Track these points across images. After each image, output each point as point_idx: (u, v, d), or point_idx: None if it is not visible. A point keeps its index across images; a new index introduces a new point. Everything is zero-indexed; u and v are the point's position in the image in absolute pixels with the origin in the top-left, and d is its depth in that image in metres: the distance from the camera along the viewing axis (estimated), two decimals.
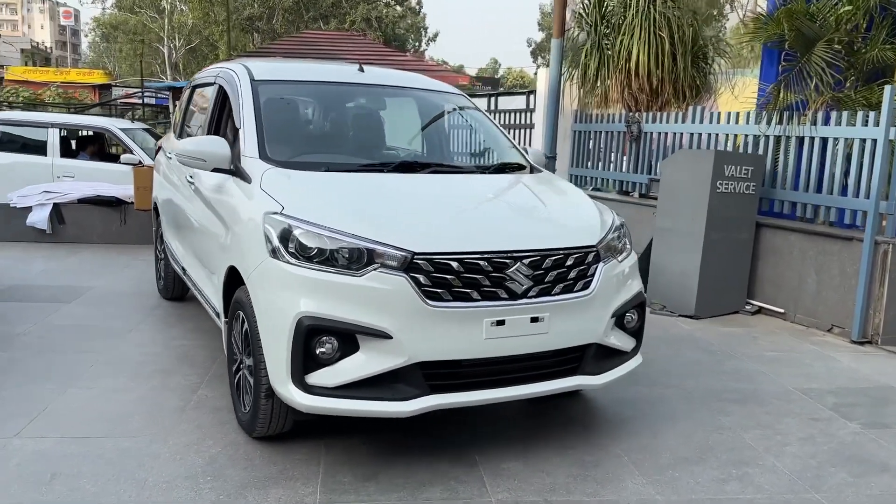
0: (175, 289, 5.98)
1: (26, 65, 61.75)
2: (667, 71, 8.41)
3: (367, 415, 3.12)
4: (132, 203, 8.79)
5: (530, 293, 3.25)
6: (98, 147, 11.02)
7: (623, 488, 3.25)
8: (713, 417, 4.11)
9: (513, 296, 3.21)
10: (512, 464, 3.42)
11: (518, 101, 10.87)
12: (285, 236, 3.16)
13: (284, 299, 3.11)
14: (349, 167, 3.85)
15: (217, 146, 3.88)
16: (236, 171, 3.84)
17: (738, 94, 8.44)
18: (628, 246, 3.86)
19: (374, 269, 3.06)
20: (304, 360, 3.07)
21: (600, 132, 9.11)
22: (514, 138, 10.89)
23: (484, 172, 4.16)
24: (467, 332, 3.14)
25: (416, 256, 3.08)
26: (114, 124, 10.78)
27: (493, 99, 11.48)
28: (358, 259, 3.08)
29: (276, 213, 3.26)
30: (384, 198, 3.50)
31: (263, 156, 3.80)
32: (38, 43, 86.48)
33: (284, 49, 14.22)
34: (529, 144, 10.47)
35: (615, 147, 8.84)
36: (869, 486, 3.40)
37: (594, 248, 3.48)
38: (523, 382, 3.37)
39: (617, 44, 8.63)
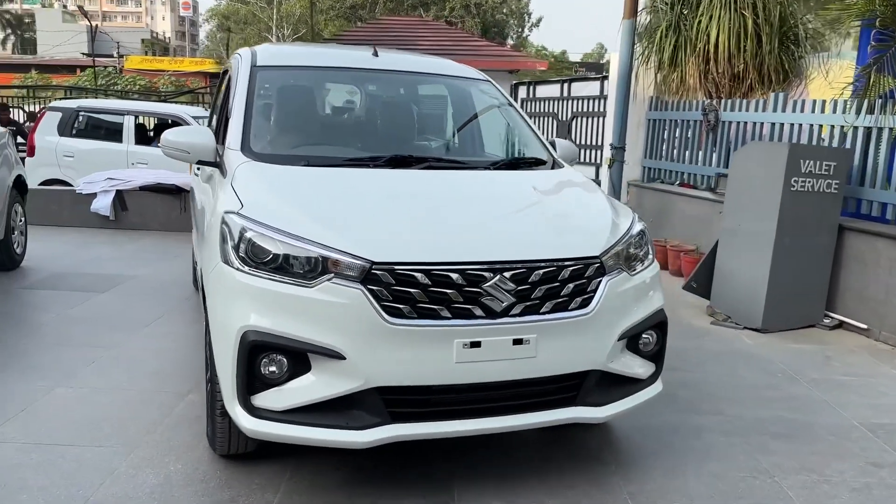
0: None
1: (146, 55, 64.91)
2: (750, 54, 7.62)
3: (318, 444, 2.76)
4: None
5: (513, 311, 2.80)
6: None
7: None
8: (751, 457, 3.53)
9: (491, 314, 2.77)
10: (492, 502, 2.99)
11: (591, 88, 10.23)
12: (239, 239, 2.83)
13: (231, 310, 2.80)
14: (333, 161, 3.49)
15: (200, 137, 3.62)
16: (219, 163, 3.57)
17: (832, 80, 7.53)
18: (649, 256, 3.33)
19: (328, 280, 2.69)
20: (249, 379, 2.75)
21: (676, 121, 8.41)
22: (585, 127, 10.30)
23: (492, 168, 3.70)
24: (435, 355, 2.73)
25: (374, 266, 2.68)
26: (186, 112, 10.88)
27: (565, 85, 10.86)
28: (312, 267, 2.72)
29: (233, 212, 2.94)
30: (355, 196, 3.11)
31: (245, 148, 3.50)
32: (157, 33, 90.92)
33: (360, 36, 14.04)
34: (601, 134, 9.83)
35: (691, 138, 8.12)
36: None
37: (596, 260, 2.98)
38: (506, 413, 2.93)
39: (695, 25, 7.88)
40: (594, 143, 10.10)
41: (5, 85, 22.51)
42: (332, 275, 2.69)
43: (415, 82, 4.32)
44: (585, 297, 2.94)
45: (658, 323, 3.25)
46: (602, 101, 9.79)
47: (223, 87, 4.46)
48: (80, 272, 6.60)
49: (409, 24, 14.01)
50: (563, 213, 3.30)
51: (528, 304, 2.82)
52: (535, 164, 3.91)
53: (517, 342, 2.81)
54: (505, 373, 2.84)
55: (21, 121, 14.47)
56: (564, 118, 10.77)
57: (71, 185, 9.50)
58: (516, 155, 4.05)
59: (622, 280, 3.07)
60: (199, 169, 4.40)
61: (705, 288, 6.13)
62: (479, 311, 2.76)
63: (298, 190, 3.14)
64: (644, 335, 3.22)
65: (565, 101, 10.72)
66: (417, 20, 14.69)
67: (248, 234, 2.81)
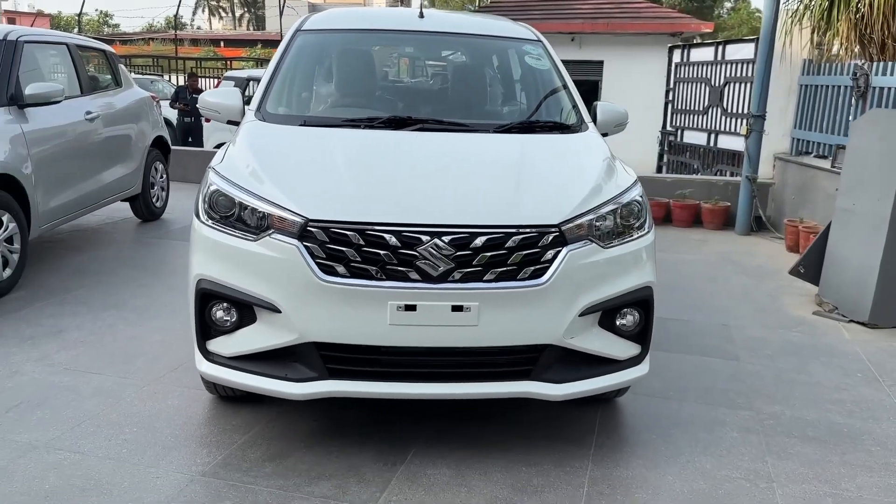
0: None
1: None
2: None
3: (258, 391, 2.89)
4: None
5: (452, 277, 2.72)
6: None
7: None
8: (759, 459, 3.16)
9: (427, 278, 2.71)
10: (441, 471, 2.95)
11: (745, 51, 9.36)
12: (206, 191, 3.01)
13: (193, 259, 2.99)
14: (329, 122, 3.54)
15: (229, 98, 3.82)
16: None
17: None
18: (644, 227, 3.07)
19: (269, 235, 2.78)
20: (203, 324, 2.93)
21: (830, 87, 7.50)
22: (736, 94, 9.48)
23: (495, 131, 3.55)
24: (368, 315, 2.73)
25: (310, 223, 2.73)
26: None
27: (719, 48, 10.02)
28: (259, 222, 2.82)
29: (213, 167, 3.12)
30: (323, 156, 3.15)
31: (261, 109, 3.67)
32: (372, 6, 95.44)
33: (514, 2, 13.86)
34: (750, 99, 8.99)
35: (842, 105, 7.21)
36: None
37: (554, 228, 2.80)
38: (451, 380, 2.87)
39: None
40: (747, 110, 9.26)
41: (235, 57, 24.78)
42: (273, 230, 2.78)
43: (453, 44, 4.24)
44: (539, 266, 2.78)
45: (641, 300, 3.00)
46: (752, 66, 8.95)
47: None
48: None
49: None
50: (536, 178, 3.10)
51: (468, 270, 2.72)
52: (554, 128, 3.71)
53: (456, 308, 2.73)
54: (443, 339, 2.78)
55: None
56: (717, 84, 9.98)
57: None
58: (545, 118, 3.86)
59: (590, 251, 2.85)
60: None
61: (814, 273, 5.48)
62: (415, 275, 2.71)
63: (274, 149, 3.25)
64: (624, 312, 2.99)
65: (718, 66, 9.92)
66: None
67: (213, 188, 2.97)
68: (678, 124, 11.24)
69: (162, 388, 3.60)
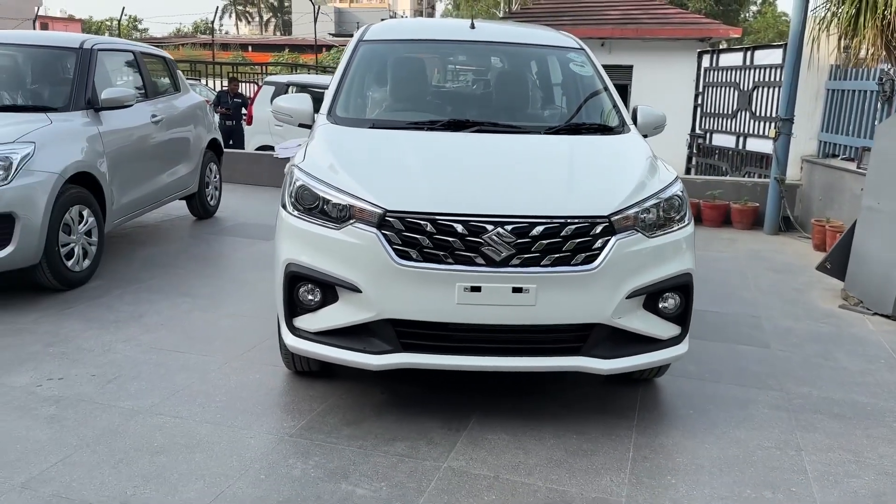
0: None
1: None
2: None
3: (339, 362, 3.25)
4: None
5: (513, 262, 3.07)
6: None
7: (593, 483, 2.96)
8: (788, 432, 3.47)
9: (491, 262, 3.06)
10: (498, 436, 3.30)
11: (773, 56, 9.60)
12: (292, 186, 3.38)
13: (282, 246, 3.36)
14: (395, 124, 3.90)
15: (300, 103, 4.21)
16: (312, 127, 4.15)
17: None
18: (684, 219, 3.40)
19: (351, 224, 3.15)
20: (291, 304, 3.30)
21: (856, 91, 7.75)
22: (764, 98, 9.73)
23: (546, 133, 3.90)
24: (438, 295, 3.08)
25: (387, 213, 3.09)
26: None
27: (748, 53, 10.27)
28: (340, 213, 3.19)
29: (296, 165, 3.49)
30: (396, 155, 3.52)
31: (331, 113, 4.05)
32: (395, 13, 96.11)
33: (546, 9, 14.18)
34: (778, 103, 9.24)
35: (868, 110, 7.46)
36: None
37: (604, 219, 3.14)
38: (510, 354, 3.22)
39: None
40: (775, 114, 9.51)
41: (262, 62, 25.52)
42: (355, 220, 3.14)
43: (503, 52, 4.58)
44: (590, 253, 3.12)
45: (681, 285, 3.32)
46: (783, 71, 9.19)
47: None
48: (257, 223, 7.65)
49: None
50: (587, 174, 3.45)
51: (527, 256, 3.07)
52: (598, 129, 4.05)
53: (516, 290, 3.07)
54: (504, 317, 3.12)
55: (250, 95, 16.48)
56: (746, 88, 10.23)
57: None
58: (590, 121, 4.19)
59: (636, 240, 3.19)
60: None
61: (840, 269, 5.75)
62: (480, 260, 3.06)
63: (351, 148, 3.62)
64: (666, 296, 3.31)
65: (747, 71, 10.17)
66: None
67: (299, 183, 3.34)
68: (707, 127, 11.49)
69: (241, 364, 3.97)
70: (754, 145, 10.06)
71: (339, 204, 3.19)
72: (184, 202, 7.62)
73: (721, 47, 12.24)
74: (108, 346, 4.15)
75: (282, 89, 11.93)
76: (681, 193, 3.43)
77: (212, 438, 3.18)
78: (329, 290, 3.23)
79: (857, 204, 7.03)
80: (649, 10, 13.14)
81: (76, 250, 5.16)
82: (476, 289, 3.06)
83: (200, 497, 2.75)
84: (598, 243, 3.13)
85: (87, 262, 5.29)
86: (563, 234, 3.09)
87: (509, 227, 3.06)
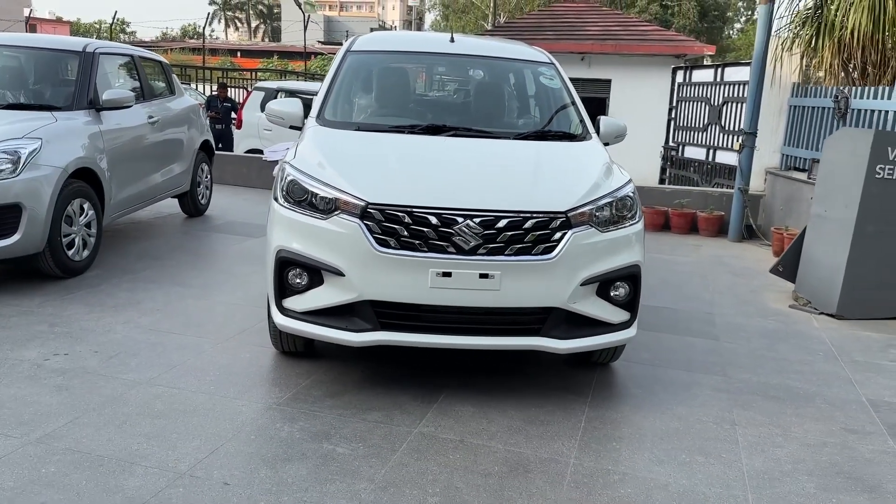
0: None
1: None
2: (892, 38, 7.32)
3: (324, 339, 3.62)
4: None
5: (480, 251, 3.45)
6: None
7: (546, 447, 3.33)
8: (727, 409, 3.87)
9: (460, 251, 3.44)
10: (465, 408, 3.67)
11: (742, 73, 10.08)
12: (283, 181, 3.75)
13: (273, 234, 3.72)
14: (378, 128, 4.29)
15: (291, 107, 4.58)
16: (302, 128, 4.52)
17: None
18: (635, 217, 3.79)
19: (337, 215, 3.52)
20: (281, 286, 3.66)
21: (815, 108, 8.23)
22: (732, 112, 10.21)
23: (514, 138, 4.29)
24: (413, 279, 3.45)
25: (369, 205, 3.47)
26: None
27: (719, 70, 10.76)
28: (327, 205, 3.56)
29: (288, 162, 3.86)
30: (377, 154, 3.90)
31: (319, 117, 4.42)
32: (385, 23, 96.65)
33: (528, 23, 14.64)
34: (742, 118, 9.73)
35: (827, 125, 7.94)
36: (829, 501, 3.05)
37: (562, 215, 3.53)
38: (477, 334, 3.59)
39: (835, 9, 7.69)
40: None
41: (249, 68, 25.91)
42: (340, 211, 3.51)
43: (479, 64, 4.99)
44: (549, 244, 3.51)
45: (630, 275, 3.72)
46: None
47: None
48: (246, 222, 8.01)
49: (577, 11, 14.36)
50: (549, 175, 3.85)
51: (493, 245, 3.45)
52: (563, 137, 4.45)
53: (483, 276, 3.45)
54: (472, 300, 3.50)
55: (239, 100, 16.84)
56: (716, 103, 10.71)
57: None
58: (556, 129, 4.59)
59: (589, 234, 3.58)
60: None
61: (791, 272, 6.18)
62: (451, 249, 3.44)
63: (337, 148, 4.00)
64: (617, 285, 3.71)
65: (718, 87, 10.66)
66: (586, 6, 14.94)
67: (289, 178, 3.71)
68: (680, 140, 11.96)
69: (232, 345, 4.32)
70: (723, 158, 10.53)
71: (326, 197, 3.56)
72: (176, 200, 7.94)
73: (694, 64, 12.74)
74: (108, 328, 4.49)
75: (271, 95, 12.28)
76: (632, 194, 3.83)
77: (207, 406, 3.53)
78: (315, 273, 3.59)
79: None
80: (628, 27, 13.64)
81: (76, 241, 5.49)
82: (447, 274, 3.44)
83: (197, 452, 3.10)
84: (556, 236, 3.52)
85: (86, 253, 5.62)
86: (524, 226, 3.48)
87: (477, 220, 3.44)
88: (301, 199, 3.65)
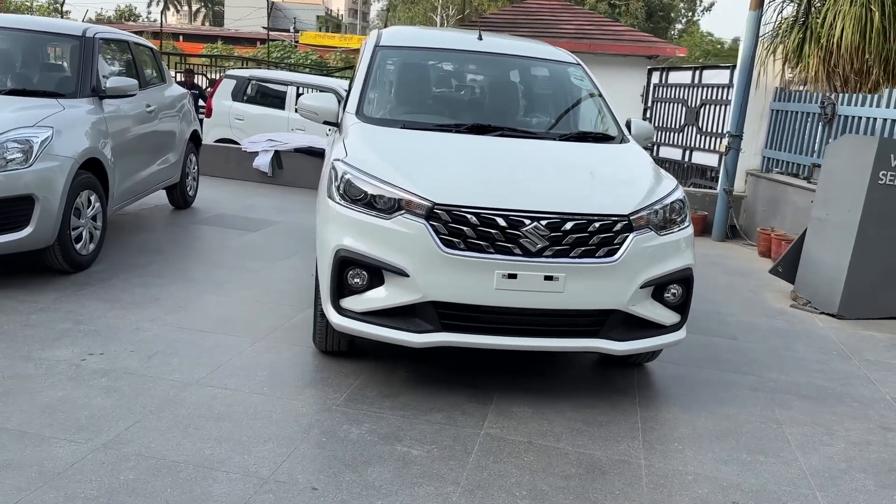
0: None
1: (320, 31, 68.71)
2: (876, 49, 7.62)
3: (384, 340, 3.58)
4: None
5: (546, 253, 3.46)
6: None
7: (613, 448, 3.38)
8: (768, 409, 3.98)
9: (527, 253, 3.45)
10: (522, 409, 3.69)
11: (721, 76, 10.34)
12: (340, 180, 3.68)
13: (330, 233, 3.65)
14: (424, 126, 4.26)
15: (326, 102, 4.50)
16: (339, 124, 4.44)
17: None
18: (685, 221, 3.86)
19: (401, 215, 3.48)
20: (339, 286, 3.60)
21: (798, 113, 8.50)
22: (710, 115, 10.46)
23: (558, 139, 4.33)
24: (478, 281, 3.44)
25: (436, 206, 3.44)
26: (341, 86, 12.05)
27: (697, 73, 11.01)
28: (390, 205, 3.51)
29: (340, 159, 3.80)
30: (433, 153, 3.88)
31: (359, 112, 4.35)
32: (332, 11, 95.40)
33: (503, 19, 14.70)
34: (725, 121, 9.97)
35: (810, 130, 8.21)
36: (891, 498, 3.18)
37: (625, 218, 3.57)
38: (537, 336, 3.61)
39: (821, 18, 7.95)
40: (721, 130, 10.24)
41: (192, 53, 25.25)
42: (404, 211, 3.47)
43: (511, 64, 5.00)
44: (612, 247, 3.55)
45: (683, 278, 3.79)
46: (730, 90, 9.91)
47: (359, 63, 5.34)
48: (238, 215, 7.83)
49: (552, 9, 14.49)
50: (606, 177, 3.90)
51: (558, 248, 3.47)
52: (602, 138, 4.50)
53: (548, 278, 3.47)
54: (536, 302, 3.51)
55: (203, 86, 16.42)
56: (694, 105, 10.95)
57: (238, 144, 10.93)
58: (590, 130, 4.63)
59: (649, 238, 3.63)
60: (328, 132, 5.33)
61: (790, 273, 6.39)
62: (517, 250, 3.45)
63: (390, 146, 3.95)
64: (670, 288, 3.77)
65: (695, 89, 10.89)
66: (560, 4, 15.09)
67: (347, 176, 3.65)
68: (655, 140, 12.18)
69: (269, 344, 4.24)
70: (699, 158, 10.77)
71: (390, 196, 3.51)
72: (163, 192, 7.71)
73: (672, 66, 12.99)
74: (136, 325, 4.34)
75: (243, 83, 12.01)
76: (683, 198, 3.91)
77: (266, 407, 3.45)
78: (376, 274, 3.54)
79: (799, 215, 7.76)
80: (602, 26, 13.83)
81: (84, 234, 5.28)
82: (513, 276, 3.44)
83: (273, 456, 3.03)
84: (619, 239, 3.56)
85: (92, 246, 5.41)
86: (589, 229, 3.51)
87: (544, 222, 3.45)
88: (358, 197, 3.60)
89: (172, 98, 7.41)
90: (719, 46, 50.71)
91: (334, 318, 3.63)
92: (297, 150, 10.19)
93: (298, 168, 10.19)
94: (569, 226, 3.48)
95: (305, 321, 4.60)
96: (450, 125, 4.25)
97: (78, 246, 5.21)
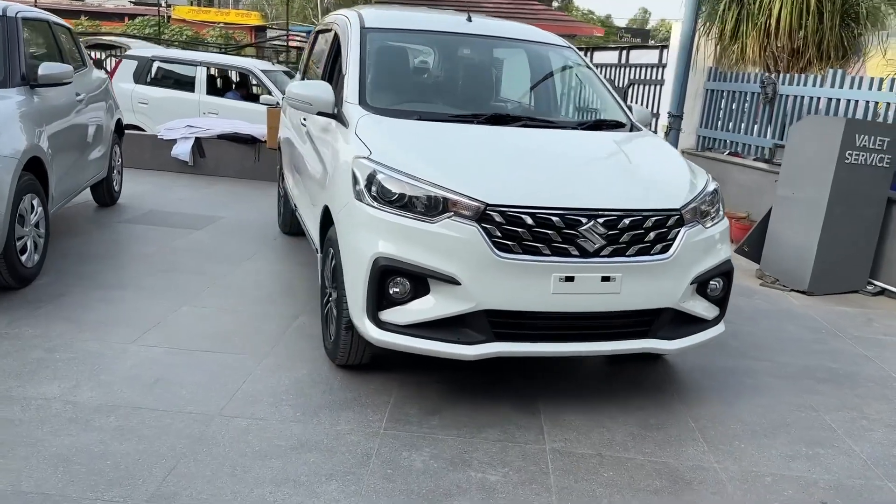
0: (293, 223, 6.29)
1: (191, 5, 65.36)
2: (811, 30, 7.87)
3: (432, 354, 3.28)
4: (265, 141, 9.30)
5: (603, 252, 3.27)
6: (242, 87, 11.70)
7: (682, 453, 3.25)
8: (798, 395, 3.98)
9: (584, 253, 3.24)
10: (573, 417, 3.50)
11: (650, 56, 10.49)
12: (370, 180, 3.33)
13: (364, 240, 3.29)
14: (441, 117, 3.95)
15: (322, 91, 4.09)
16: (338, 115, 4.05)
17: (889, 58, 7.77)
18: (720, 213, 3.76)
19: (448, 217, 3.18)
20: (378, 297, 3.26)
21: (734, 92, 8.69)
22: (642, 95, 10.59)
23: (578, 128, 4.13)
24: (535, 286, 3.21)
25: (488, 207, 3.16)
26: (256, 66, 11.36)
27: (624, 52, 11.13)
28: (434, 206, 3.20)
29: (364, 157, 3.43)
30: (467, 148, 3.59)
31: (362, 102, 3.98)
32: None
33: None
34: (658, 101, 10.12)
35: (747, 109, 8.41)
36: None
37: (677, 212, 3.43)
38: (591, 340, 3.42)
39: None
40: (652, 110, 10.38)
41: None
42: (452, 213, 3.17)
43: (507, 46, 4.74)
44: (665, 244, 3.39)
45: (725, 272, 3.69)
46: (660, 70, 10.06)
47: (329, 47, 4.92)
48: (171, 211, 7.17)
49: None
50: (648, 170, 3.74)
51: (616, 247, 3.28)
52: (615, 126, 4.33)
53: (605, 279, 3.28)
54: (593, 305, 3.32)
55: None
56: (621, 85, 11.06)
57: (143, 131, 10.09)
58: (598, 117, 4.46)
59: (697, 231, 3.51)
60: (304, 121, 4.88)
61: (756, 252, 6.51)
62: (574, 251, 3.23)
63: (414, 140, 3.62)
64: (712, 281, 3.67)
65: (623, 69, 11.00)
66: None
67: (379, 177, 3.30)
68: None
69: (277, 361, 3.83)
70: None
71: (432, 197, 3.20)
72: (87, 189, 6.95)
73: (596, 45, 13.07)
74: (118, 349, 3.82)
75: (145, 64, 11.12)
76: (718, 189, 3.81)
77: (310, 437, 3.09)
78: (420, 282, 3.23)
79: (744, 192, 7.96)
80: (521, 5, 13.72)
81: (28, 244, 4.63)
82: (570, 279, 3.23)
83: (344, 495, 2.70)
84: (672, 234, 3.41)
85: (36, 257, 4.76)
86: (645, 225, 3.33)
87: (601, 220, 3.25)
88: (393, 199, 3.27)
89: (97, 84, 6.65)
90: (598, 24, 52.24)
91: (373, 332, 3.29)
92: (221, 137, 9.51)
93: (223, 156, 9.53)
94: (625, 223, 3.29)
95: (302, 331, 4.23)
96: (468, 116, 3.96)
97: (23, 258, 4.56)
